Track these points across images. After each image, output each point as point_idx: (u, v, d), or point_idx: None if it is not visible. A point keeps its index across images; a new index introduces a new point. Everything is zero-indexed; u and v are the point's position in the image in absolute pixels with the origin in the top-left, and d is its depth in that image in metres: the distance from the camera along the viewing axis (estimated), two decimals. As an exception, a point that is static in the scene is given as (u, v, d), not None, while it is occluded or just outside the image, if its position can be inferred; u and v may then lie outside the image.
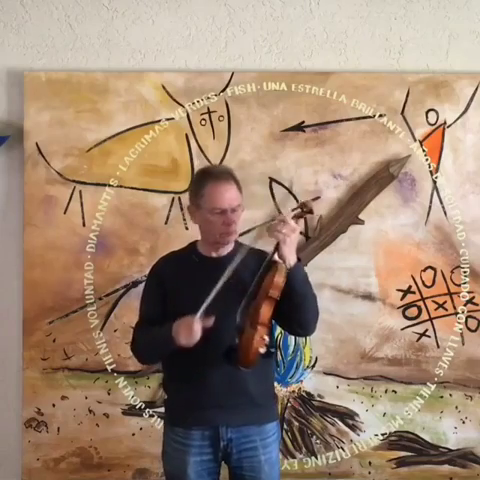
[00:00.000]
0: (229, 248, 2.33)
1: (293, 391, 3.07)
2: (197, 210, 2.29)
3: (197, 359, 2.21)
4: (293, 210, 2.25)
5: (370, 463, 3.08)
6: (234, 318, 2.19)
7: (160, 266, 2.40)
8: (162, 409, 3.03)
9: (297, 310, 2.22)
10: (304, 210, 2.25)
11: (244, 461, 2.28)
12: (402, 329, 3.08)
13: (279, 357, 3.04)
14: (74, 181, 3.07)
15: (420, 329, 3.08)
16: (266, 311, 2.17)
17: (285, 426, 3.06)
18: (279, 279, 2.16)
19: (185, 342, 2.13)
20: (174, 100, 3.07)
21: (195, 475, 2.27)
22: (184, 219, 3.06)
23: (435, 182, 3.08)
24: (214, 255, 2.32)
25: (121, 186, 3.07)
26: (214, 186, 2.25)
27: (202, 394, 2.23)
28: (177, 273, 2.32)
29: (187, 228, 3.05)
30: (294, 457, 3.07)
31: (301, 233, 3.05)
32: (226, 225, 2.24)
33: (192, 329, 2.12)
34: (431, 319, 3.08)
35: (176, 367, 2.30)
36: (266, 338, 2.14)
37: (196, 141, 3.08)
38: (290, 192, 3.07)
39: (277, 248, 2.19)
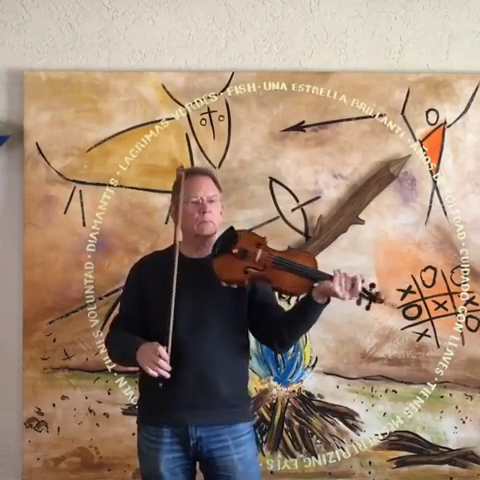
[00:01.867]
0: (209, 250, 2.33)
1: (293, 391, 3.07)
2: (176, 208, 2.34)
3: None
4: (365, 291, 2.20)
5: (370, 463, 3.08)
6: (207, 324, 2.26)
7: (141, 265, 2.45)
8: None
9: (290, 332, 2.27)
10: (376, 300, 2.19)
11: (217, 461, 2.28)
12: (402, 329, 3.08)
13: (279, 357, 3.05)
14: (74, 181, 3.07)
15: (420, 329, 3.08)
16: None
17: (285, 426, 3.06)
18: None
19: (150, 372, 2.14)
20: (174, 100, 3.07)
21: (168, 473, 2.27)
22: (184, 219, 3.06)
23: (435, 182, 3.08)
24: (194, 256, 2.35)
25: (121, 186, 3.07)
26: (189, 180, 2.35)
27: (172, 395, 2.23)
28: (157, 273, 2.35)
29: (187, 228, 3.05)
30: (294, 457, 3.07)
31: (301, 233, 3.06)
32: (201, 213, 2.29)
33: (158, 363, 2.13)
34: (431, 319, 3.08)
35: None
36: None
37: (196, 141, 3.08)
38: (290, 192, 3.08)
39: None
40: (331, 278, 2.17)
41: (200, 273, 2.26)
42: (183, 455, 2.28)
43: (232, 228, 2.31)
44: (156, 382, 2.15)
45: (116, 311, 3.03)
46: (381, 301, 2.20)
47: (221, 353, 2.28)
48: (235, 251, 2.23)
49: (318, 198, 3.08)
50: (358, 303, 2.19)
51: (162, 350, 2.14)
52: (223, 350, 2.28)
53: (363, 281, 2.17)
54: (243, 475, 2.28)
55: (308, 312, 2.23)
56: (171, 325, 2.17)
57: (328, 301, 2.23)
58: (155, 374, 2.14)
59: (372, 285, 2.20)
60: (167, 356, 2.14)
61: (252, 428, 2.38)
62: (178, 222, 2.29)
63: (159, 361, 2.13)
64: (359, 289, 2.15)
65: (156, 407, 2.30)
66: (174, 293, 2.20)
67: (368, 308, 2.20)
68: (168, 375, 2.14)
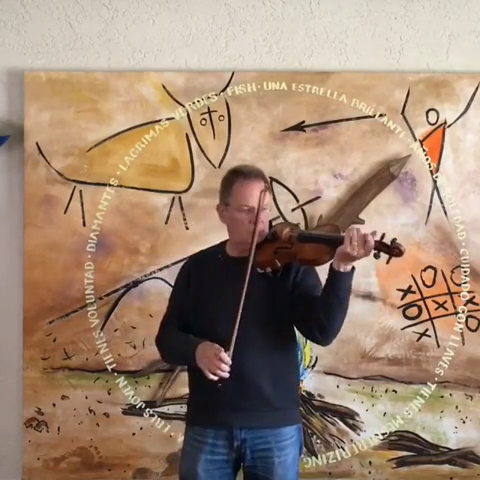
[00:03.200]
0: None
1: (293, 391, 3.07)
2: (225, 209, 2.30)
3: None
4: (381, 243, 2.13)
5: (370, 463, 3.08)
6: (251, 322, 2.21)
7: (188, 263, 2.44)
8: (162, 409, 3.06)
9: (325, 312, 2.17)
10: (393, 250, 2.12)
11: (258, 461, 2.26)
12: (402, 329, 3.08)
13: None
14: (74, 181, 3.07)
15: (420, 329, 3.08)
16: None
17: (285, 426, 3.06)
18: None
19: (210, 377, 2.13)
20: (174, 100, 3.07)
21: (205, 474, 2.26)
22: (184, 219, 3.06)
23: (435, 182, 3.08)
24: (238, 255, 2.31)
25: (121, 186, 3.07)
26: (243, 184, 2.26)
27: (216, 396, 2.20)
28: (202, 271, 2.35)
29: (187, 228, 3.06)
30: (294, 457, 3.07)
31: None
32: (253, 223, 2.23)
33: (221, 368, 2.11)
34: (431, 319, 3.08)
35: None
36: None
37: (196, 141, 3.08)
38: (290, 192, 3.08)
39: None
40: (343, 239, 2.11)
41: (241, 273, 2.20)
42: (225, 458, 2.27)
43: (270, 222, 2.32)
44: (215, 383, 2.13)
45: (116, 311, 3.06)
46: (399, 252, 2.10)
47: (264, 353, 2.24)
48: (269, 237, 2.28)
49: (318, 198, 3.08)
50: (376, 256, 2.12)
51: (225, 356, 2.11)
52: (266, 350, 2.24)
53: (382, 237, 2.11)
54: (281, 478, 2.26)
55: (334, 283, 2.14)
56: (236, 328, 2.12)
57: (353, 269, 2.14)
58: (215, 378, 2.12)
59: (393, 240, 2.13)
60: (229, 360, 2.12)
61: (298, 430, 2.34)
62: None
63: (222, 365, 2.11)
64: (372, 243, 2.08)
65: (202, 408, 2.28)
66: (243, 298, 2.15)
67: (388, 262, 2.14)
68: (227, 376, 2.12)
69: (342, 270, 2.12)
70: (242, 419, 2.24)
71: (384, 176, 3.06)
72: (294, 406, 2.36)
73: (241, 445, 2.25)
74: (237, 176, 2.29)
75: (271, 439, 2.26)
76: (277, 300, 2.26)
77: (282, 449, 2.27)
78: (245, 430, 2.25)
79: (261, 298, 2.24)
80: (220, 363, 2.11)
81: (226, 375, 2.11)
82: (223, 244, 2.39)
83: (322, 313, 2.17)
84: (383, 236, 2.12)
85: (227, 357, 2.11)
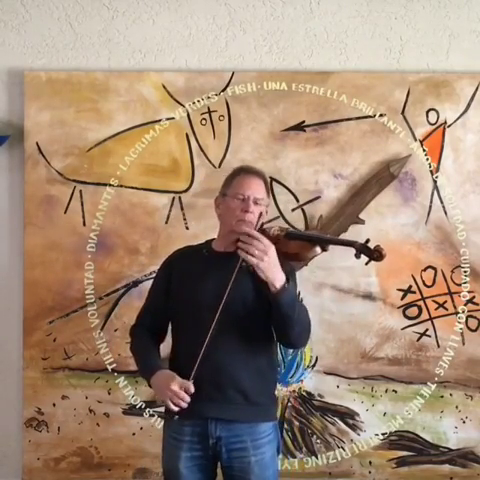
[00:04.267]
0: None
1: (293, 391, 3.07)
2: (223, 200, 2.36)
3: (190, 351, 2.20)
4: (364, 246, 2.14)
5: (370, 463, 3.08)
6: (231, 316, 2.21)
7: (171, 257, 2.46)
8: (162, 409, 3.05)
9: (283, 328, 2.22)
10: (373, 254, 2.12)
11: (234, 461, 2.27)
12: (402, 329, 3.08)
13: (279, 357, 3.04)
14: (74, 181, 3.07)
15: (420, 329, 3.08)
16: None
17: (285, 426, 3.06)
18: None
19: (172, 407, 2.17)
20: (174, 100, 3.07)
21: (187, 471, 2.27)
22: (184, 219, 3.06)
23: (435, 182, 3.08)
24: (222, 250, 2.34)
25: (121, 186, 3.07)
26: (243, 177, 2.35)
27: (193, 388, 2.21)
28: (184, 265, 2.37)
29: (187, 228, 3.06)
30: (294, 457, 3.07)
31: (301, 233, 3.06)
32: (244, 212, 2.28)
33: (184, 398, 2.15)
34: (431, 319, 3.08)
35: (174, 359, 2.34)
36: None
37: (196, 141, 3.08)
38: (290, 192, 3.08)
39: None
40: (325, 241, 2.19)
41: (225, 266, 2.22)
42: (202, 454, 2.28)
43: (262, 223, 2.34)
44: (173, 415, 2.18)
45: (116, 311, 3.06)
46: (380, 255, 2.10)
47: (242, 347, 2.25)
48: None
49: (318, 198, 3.08)
50: (356, 256, 2.14)
51: (192, 387, 2.15)
52: (245, 344, 2.26)
53: (367, 241, 2.12)
54: (258, 477, 2.26)
55: (274, 304, 2.17)
56: (202, 351, 2.15)
57: (287, 282, 2.16)
58: (176, 409, 2.16)
59: (377, 245, 2.13)
60: (193, 389, 2.15)
61: (274, 428, 2.34)
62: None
63: (185, 397, 2.15)
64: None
65: None
66: (226, 293, 2.17)
67: (366, 264, 2.18)
68: (186, 406, 2.16)
69: (273, 290, 2.14)
70: (217, 410, 2.24)
71: (384, 176, 3.06)
72: (271, 403, 2.37)
73: (216, 443, 2.26)
74: (239, 171, 2.39)
75: (246, 438, 2.26)
76: (257, 295, 2.27)
77: (258, 447, 2.27)
78: (220, 427, 2.25)
79: (242, 292, 2.24)
80: (184, 394, 2.15)
81: (185, 406, 2.16)
82: (209, 241, 2.43)
83: (281, 330, 2.24)
84: (368, 241, 2.14)
85: (192, 388, 2.15)
